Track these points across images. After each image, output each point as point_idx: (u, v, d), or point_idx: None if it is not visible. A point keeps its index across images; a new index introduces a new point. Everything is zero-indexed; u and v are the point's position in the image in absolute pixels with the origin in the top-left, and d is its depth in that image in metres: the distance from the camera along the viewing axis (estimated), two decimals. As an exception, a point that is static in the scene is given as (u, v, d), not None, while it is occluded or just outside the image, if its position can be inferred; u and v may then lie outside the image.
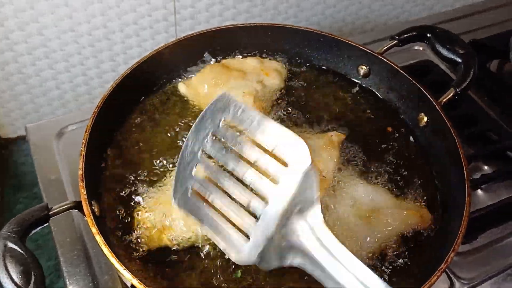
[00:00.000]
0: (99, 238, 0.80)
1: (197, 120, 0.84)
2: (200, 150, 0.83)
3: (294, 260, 0.77)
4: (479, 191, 1.21)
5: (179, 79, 1.18)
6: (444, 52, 1.15)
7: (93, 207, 0.86)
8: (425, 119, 1.10)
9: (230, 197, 0.81)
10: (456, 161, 0.98)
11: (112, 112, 1.05)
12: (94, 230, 0.81)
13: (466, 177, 0.94)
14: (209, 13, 1.62)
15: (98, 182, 0.98)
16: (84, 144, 0.92)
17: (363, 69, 1.21)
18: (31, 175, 1.67)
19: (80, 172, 0.88)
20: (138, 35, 1.57)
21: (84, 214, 0.84)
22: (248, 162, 0.79)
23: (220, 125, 0.82)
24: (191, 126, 1.00)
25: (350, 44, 1.20)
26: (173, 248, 0.90)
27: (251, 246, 0.77)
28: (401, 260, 0.92)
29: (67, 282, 0.99)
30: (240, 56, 1.23)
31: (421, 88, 1.10)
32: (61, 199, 1.07)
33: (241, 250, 0.78)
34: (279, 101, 1.17)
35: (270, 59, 1.23)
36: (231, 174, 0.81)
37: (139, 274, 0.86)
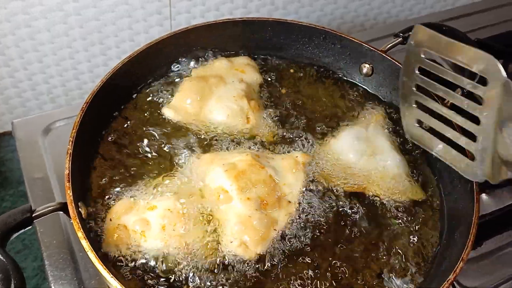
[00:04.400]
0: (85, 243, 0.75)
1: (403, 62, 0.94)
2: (414, 86, 0.93)
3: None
4: (483, 195, 1.17)
5: (174, 74, 1.14)
6: (451, 51, 1.10)
7: (79, 209, 0.82)
8: (430, 120, 1.06)
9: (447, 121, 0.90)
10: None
11: (103, 108, 1.00)
12: (80, 234, 0.76)
13: (474, 183, 0.90)
14: (205, 7, 1.57)
15: (87, 182, 0.92)
16: (71, 142, 0.87)
17: (365, 68, 1.16)
18: (18, 172, 1.62)
19: (67, 172, 0.83)
20: (131, 28, 1.52)
21: (70, 217, 0.79)
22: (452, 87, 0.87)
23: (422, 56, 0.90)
24: (182, 125, 0.99)
25: (354, 41, 1.15)
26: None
27: (478, 164, 0.84)
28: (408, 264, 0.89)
29: (52, 287, 0.94)
30: (211, 60, 1.17)
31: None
32: (47, 199, 1.02)
33: (472, 168, 0.86)
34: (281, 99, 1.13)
35: (236, 56, 1.18)
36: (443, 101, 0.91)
37: (127, 282, 0.81)
